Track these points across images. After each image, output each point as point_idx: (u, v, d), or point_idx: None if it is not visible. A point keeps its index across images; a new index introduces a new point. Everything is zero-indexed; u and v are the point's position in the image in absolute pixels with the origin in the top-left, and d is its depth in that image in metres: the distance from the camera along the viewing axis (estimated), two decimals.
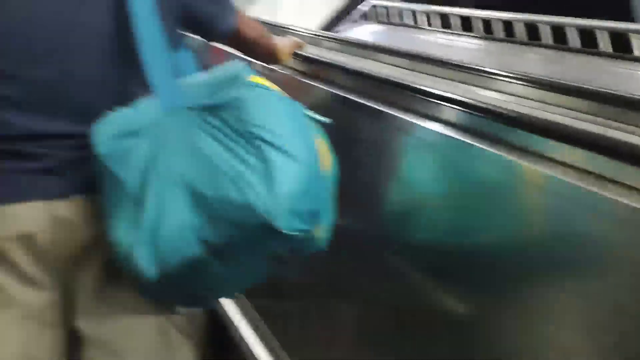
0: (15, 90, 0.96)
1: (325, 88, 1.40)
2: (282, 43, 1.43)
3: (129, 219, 0.87)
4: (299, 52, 1.50)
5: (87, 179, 0.96)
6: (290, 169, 0.83)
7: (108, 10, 0.99)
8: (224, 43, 1.28)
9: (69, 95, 0.97)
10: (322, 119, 0.95)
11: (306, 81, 1.47)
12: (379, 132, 1.27)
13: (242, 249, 0.85)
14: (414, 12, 2.67)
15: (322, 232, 0.91)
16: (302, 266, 1.27)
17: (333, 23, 2.98)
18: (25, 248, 0.96)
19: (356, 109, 1.30)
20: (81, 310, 1.02)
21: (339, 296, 1.39)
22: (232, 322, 1.68)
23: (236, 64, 0.93)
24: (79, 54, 0.98)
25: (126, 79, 1.00)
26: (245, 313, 1.69)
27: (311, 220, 0.85)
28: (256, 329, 1.63)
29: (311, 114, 0.93)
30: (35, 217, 0.96)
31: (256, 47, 1.30)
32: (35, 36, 0.96)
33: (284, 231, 0.80)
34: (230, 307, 1.72)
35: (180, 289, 0.91)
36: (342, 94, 1.34)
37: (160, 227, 0.84)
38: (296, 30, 1.82)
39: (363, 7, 3.06)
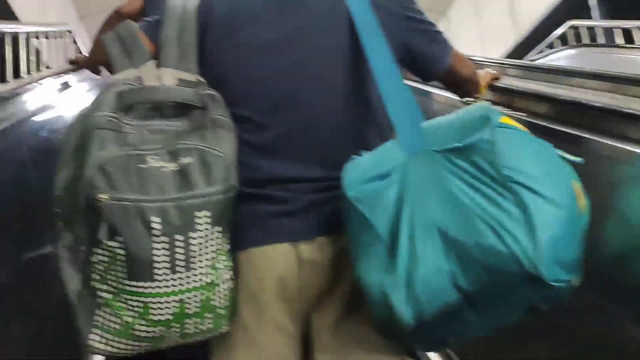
0: (264, 138, 1.03)
1: (530, 120, 1.37)
2: (481, 76, 1.40)
3: (380, 261, 0.87)
4: (497, 83, 1.50)
5: (330, 220, 0.99)
6: (551, 214, 0.78)
7: (345, 59, 1.05)
8: (437, 80, 1.26)
9: (313, 141, 1.03)
10: (574, 158, 0.90)
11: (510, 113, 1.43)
12: (592, 163, 1.16)
13: (497, 297, 0.82)
14: (628, 31, 2.44)
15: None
16: None
17: (522, 50, 2.84)
18: (277, 283, 1.00)
19: (566, 140, 1.24)
20: (319, 345, 1.04)
21: (545, 337, 1.31)
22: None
23: (482, 105, 0.91)
24: (320, 102, 1.04)
25: (363, 125, 1.05)
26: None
27: (573, 268, 0.80)
28: None
29: (562, 153, 0.89)
30: (284, 258, 1.00)
31: (467, 84, 1.28)
32: (281, 87, 1.04)
33: (547, 281, 0.75)
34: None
35: (428, 336, 0.89)
36: (549, 125, 1.30)
37: (415, 272, 0.83)
38: (485, 62, 1.80)
39: (560, 30, 2.86)
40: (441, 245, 0.82)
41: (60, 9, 7.75)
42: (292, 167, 1.02)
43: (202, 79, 1.03)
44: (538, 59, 2.84)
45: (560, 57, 2.62)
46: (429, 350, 1.13)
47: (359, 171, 0.92)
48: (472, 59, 1.71)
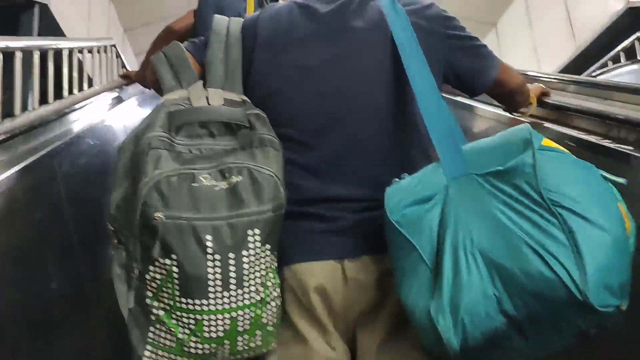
0: (311, 158, 1.06)
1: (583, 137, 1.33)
2: (530, 89, 1.39)
3: (424, 285, 0.87)
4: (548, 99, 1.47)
5: (375, 239, 1.00)
6: (598, 238, 0.77)
7: (389, 81, 1.07)
8: (486, 93, 1.26)
9: (359, 162, 1.05)
10: (618, 179, 0.88)
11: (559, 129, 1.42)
12: None
13: (545, 323, 0.81)
14: None
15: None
16: None
17: (580, 64, 2.73)
18: (322, 299, 1.02)
19: (619, 159, 1.19)
20: None
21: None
22: None
23: (523, 127, 0.90)
24: (365, 123, 1.06)
25: (406, 145, 1.07)
26: None
27: (622, 292, 0.78)
28: None
29: (606, 174, 0.87)
30: (329, 275, 1.02)
31: (515, 96, 1.27)
32: (327, 108, 1.06)
33: (595, 307, 0.74)
34: None
35: (474, 358, 0.88)
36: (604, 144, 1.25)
37: (460, 297, 0.82)
38: (540, 77, 1.74)
39: (626, 42, 2.69)
40: (486, 270, 0.82)
41: (106, 23, 7.91)
42: (339, 187, 1.04)
43: (247, 99, 1.06)
44: (600, 74, 2.69)
45: (625, 72, 2.48)
46: None
47: (400, 195, 0.93)
48: (524, 74, 1.68)
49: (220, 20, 1.17)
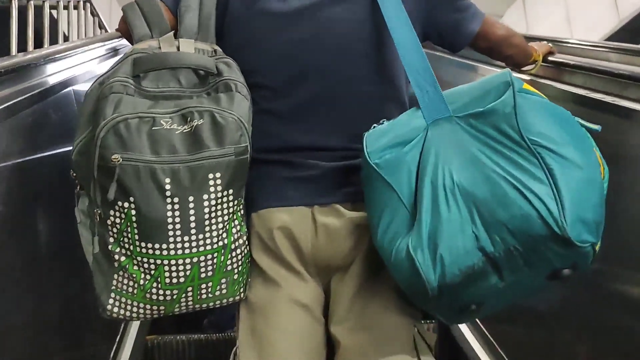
0: (284, 106, 1.04)
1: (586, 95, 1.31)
2: (535, 46, 1.36)
3: (403, 226, 0.87)
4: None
5: (348, 189, 1.00)
6: (576, 175, 0.80)
7: (366, 31, 1.05)
8: (473, 49, 1.22)
9: (333, 111, 1.04)
10: (593, 126, 0.90)
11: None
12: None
13: (521, 261, 0.82)
14: None
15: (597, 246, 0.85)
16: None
17: (623, 39, 2.55)
18: (286, 238, 1.01)
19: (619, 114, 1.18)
20: (335, 317, 1.04)
21: (583, 325, 1.26)
22: (467, 343, 1.60)
23: (504, 71, 0.90)
24: (341, 72, 1.04)
25: (382, 97, 1.06)
26: (478, 335, 1.60)
27: (597, 231, 0.80)
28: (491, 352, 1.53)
29: (582, 122, 0.89)
30: (297, 219, 1.01)
31: (507, 47, 1.23)
32: (302, 56, 1.04)
33: (573, 241, 0.76)
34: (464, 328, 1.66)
35: (451, 301, 0.88)
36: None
37: (439, 233, 0.83)
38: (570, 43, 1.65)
39: None
40: (465, 208, 0.83)
41: None
42: (311, 136, 1.03)
43: (218, 49, 1.04)
44: None
45: None
46: (451, 322, 1.12)
47: (380, 138, 0.92)
48: (556, 42, 1.60)
49: None
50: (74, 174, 0.96)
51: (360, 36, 1.06)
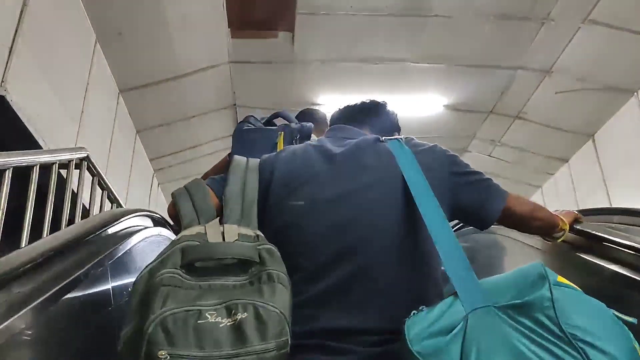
0: (318, 289, 1.08)
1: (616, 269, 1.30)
2: (561, 215, 1.42)
3: None
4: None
5: None
6: None
7: (400, 216, 1.13)
8: (500, 224, 1.30)
9: (369, 293, 1.08)
10: (629, 319, 0.92)
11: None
12: None
13: None
14: None
15: None
16: None
17: None
18: None
19: None
20: None
21: None
22: None
23: (536, 264, 0.96)
24: (376, 254, 1.10)
25: (416, 278, 1.11)
26: None
27: None
28: None
29: (618, 314, 0.92)
30: None
31: (533, 220, 1.32)
32: (339, 239, 1.11)
33: None
34: None
35: None
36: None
37: None
38: None
39: None
40: None
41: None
42: (348, 318, 1.05)
43: (261, 234, 1.10)
44: None
45: None
46: None
47: (421, 326, 0.93)
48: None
49: (239, 160, 1.27)
50: None
51: (395, 221, 1.13)
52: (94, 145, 4.06)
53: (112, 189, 3.68)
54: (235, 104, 6.15)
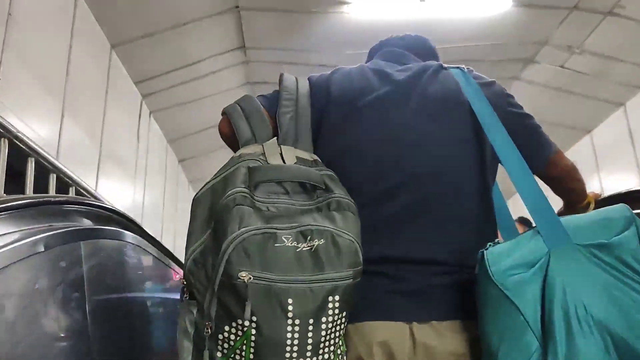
0: (387, 215, 1.05)
1: None
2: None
3: (524, 350, 0.87)
4: None
5: (450, 305, 1.00)
6: None
7: (466, 146, 1.10)
8: (540, 177, 1.25)
9: (436, 223, 1.05)
10: None
11: None
12: None
13: None
14: None
15: None
16: None
17: None
18: (385, 355, 0.99)
19: None
20: None
21: None
22: None
23: (622, 205, 0.94)
24: (440, 184, 1.07)
25: (479, 214, 1.08)
26: None
27: None
28: None
29: None
30: (396, 335, 0.99)
31: (573, 180, 1.29)
32: (402, 166, 1.08)
33: None
34: None
35: None
36: None
37: None
38: None
39: None
40: (600, 339, 0.84)
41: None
42: (410, 247, 1.03)
43: (318, 159, 1.07)
44: None
45: None
46: None
47: (503, 258, 0.92)
48: None
49: (289, 78, 1.19)
50: (184, 281, 0.95)
51: (462, 153, 1.10)
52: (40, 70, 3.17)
53: None
54: (237, 6, 4.74)
